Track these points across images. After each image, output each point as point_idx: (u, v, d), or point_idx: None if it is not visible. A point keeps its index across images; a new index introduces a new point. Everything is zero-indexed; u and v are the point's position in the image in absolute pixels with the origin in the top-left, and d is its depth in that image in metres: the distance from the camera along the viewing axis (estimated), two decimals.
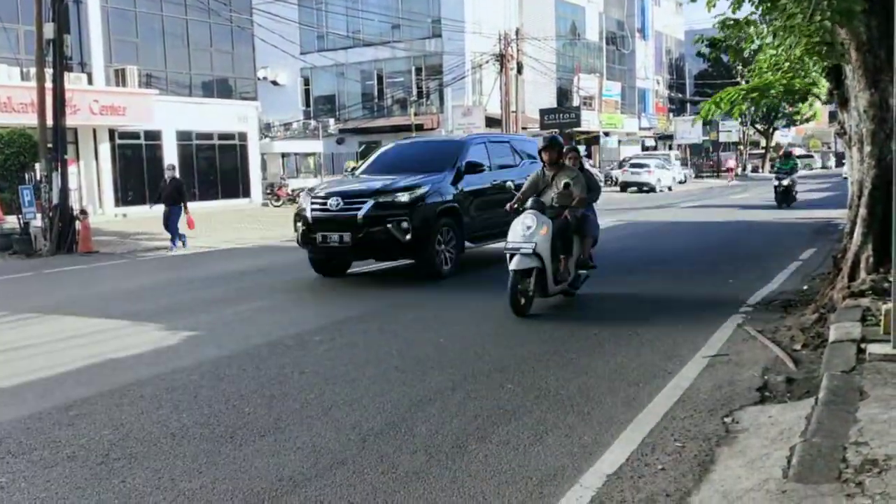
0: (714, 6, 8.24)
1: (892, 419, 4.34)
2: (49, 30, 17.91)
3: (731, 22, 8.38)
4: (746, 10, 8.30)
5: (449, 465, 4.40)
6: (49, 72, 18.29)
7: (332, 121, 44.39)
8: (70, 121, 20.72)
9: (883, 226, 7.26)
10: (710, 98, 9.64)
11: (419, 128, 38.77)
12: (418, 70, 44.35)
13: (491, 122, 34.02)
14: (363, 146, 44.19)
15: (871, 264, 7.55)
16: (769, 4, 7.78)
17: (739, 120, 62.15)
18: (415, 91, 44.19)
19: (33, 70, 19.90)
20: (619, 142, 58.14)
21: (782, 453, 4.12)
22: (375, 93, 45.90)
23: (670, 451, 4.50)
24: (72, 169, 23.59)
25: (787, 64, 8.88)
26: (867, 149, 7.64)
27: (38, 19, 17.95)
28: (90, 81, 27.22)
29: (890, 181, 5.87)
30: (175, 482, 4.28)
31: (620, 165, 47.01)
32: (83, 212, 18.33)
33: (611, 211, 26.76)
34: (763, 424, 4.77)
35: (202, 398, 5.79)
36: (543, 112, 45.03)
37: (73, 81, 24.23)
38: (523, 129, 37.67)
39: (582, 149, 41.26)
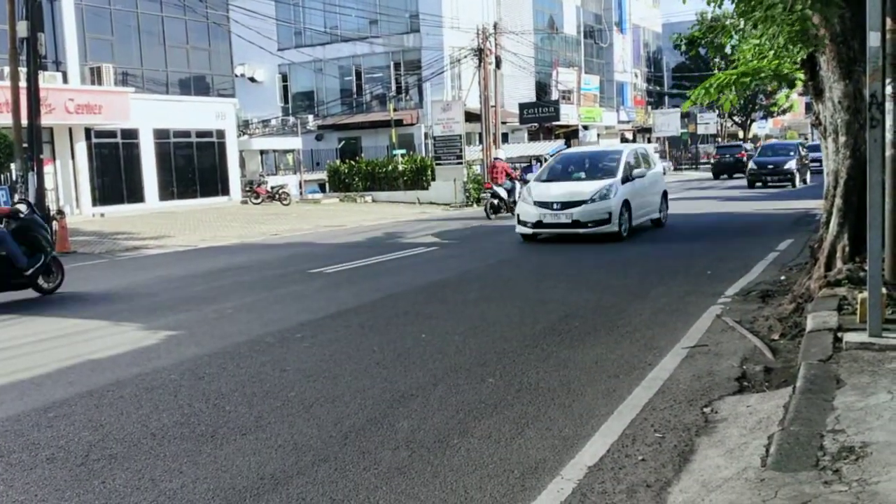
0: None
1: (869, 407, 4.40)
2: (22, 28, 17.71)
3: (709, 24, 8.45)
4: (726, 5, 8.36)
5: (431, 459, 4.41)
6: (23, 71, 18.09)
7: (310, 117, 44.17)
8: (45, 120, 20.52)
9: (858, 216, 7.34)
10: (699, 85, 9.58)
11: (398, 123, 38.68)
12: (397, 65, 44.21)
13: (470, 116, 33.97)
14: (342, 142, 44.07)
15: (847, 254, 7.63)
16: (747, 1, 7.81)
17: (717, 112, 62.47)
18: (394, 86, 44.07)
19: (7, 69, 19.66)
20: (599, 135, 58.31)
21: (761, 442, 4.16)
22: (354, 88, 45.70)
23: (650, 441, 4.53)
24: (48, 168, 23.46)
25: (771, 52, 8.91)
26: (842, 139, 7.71)
27: (10, 18, 17.75)
28: (65, 80, 26.93)
29: (864, 171, 5.93)
30: (156, 482, 4.26)
31: None
32: (60, 212, 18.17)
33: None
34: (742, 414, 4.82)
35: (182, 397, 5.77)
36: (522, 106, 45.08)
37: (48, 80, 23.97)
38: (503, 123, 37.65)
39: (561, 142, 41.35)
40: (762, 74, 9.30)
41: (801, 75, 9.12)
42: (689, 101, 9.65)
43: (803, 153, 34.45)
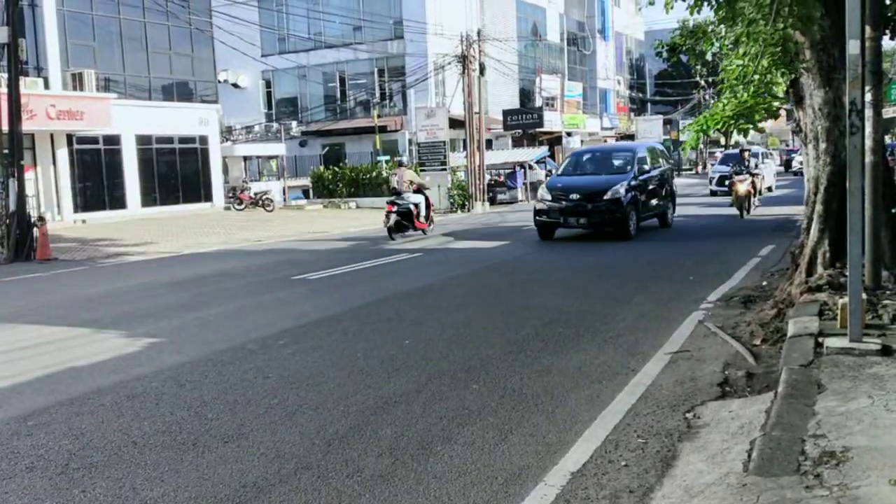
0: (672, 7, 8.33)
1: (849, 411, 4.42)
2: (3, 34, 17.57)
3: (690, 29, 8.48)
4: (706, 12, 8.41)
5: (414, 466, 4.40)
6: (4, 76, 17.97)
7: (294, 123, 44.05)
8: (26, 126, 20.35)
9: (838, 221, 7.40)
10: (696, 120, 9.69)
11: (382, 129, 38.66)
12: (381, 72, 44.19)
13: (454, 123, 34.00)
14: (326, 148, 43.99)
15: (828, 259, 7.69)
16: (728, 9, 7.86)
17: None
18: (378, 93, 44.03)
19: None
20: (582, 142, 58.49)
21: (743, 447, 4.18)
22: (338, 95, 45.64)
23: (633, 447, 4.54)
24: (29, 175, 23.26)
25: (756, 77, 8.95)
26: (822, 146, 7.78)
27: None
28: (47, 86, 26.72)
29: (845, 177, 5.99)
30: (137, 491, 4.22)
31: None
32: (41, 218, 18.01)
33: None
34: (724, 419, 4.84)
35: (164, 405, 5.73)
36: (506, 113, 45.16)
37: (30, 86, 23.78)
38: (487, 129, 37.68)
39: (545, 149, 41.45)
40: (756, 115, 9.32)
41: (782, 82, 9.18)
42: (690, 139, 9.63)
43: (647, 167, 17.77)
